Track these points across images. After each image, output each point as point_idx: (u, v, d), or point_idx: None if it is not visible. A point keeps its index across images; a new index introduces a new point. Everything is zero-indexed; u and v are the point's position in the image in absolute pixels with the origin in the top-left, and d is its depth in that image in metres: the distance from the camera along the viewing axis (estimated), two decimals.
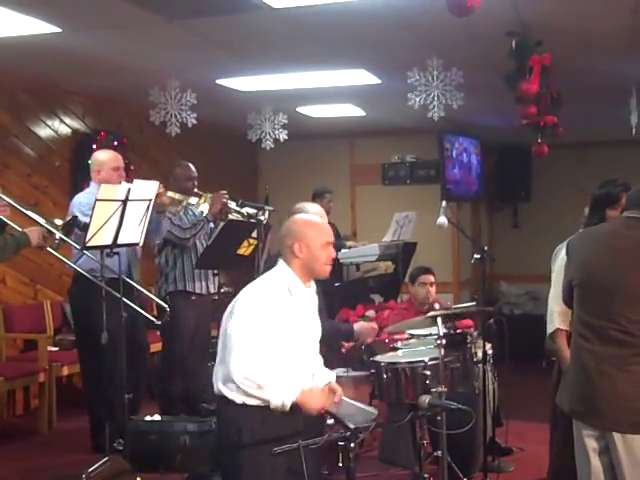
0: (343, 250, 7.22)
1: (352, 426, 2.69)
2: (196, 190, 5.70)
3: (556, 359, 4.27)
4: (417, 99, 5.40)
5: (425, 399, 3.25)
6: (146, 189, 4.56)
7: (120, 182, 5.25)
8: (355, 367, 4.63)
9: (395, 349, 4.28)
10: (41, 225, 4.10)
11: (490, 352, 4.76)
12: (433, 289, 5.27)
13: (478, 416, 4.30)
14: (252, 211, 5.38)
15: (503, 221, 10.52)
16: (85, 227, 4.37)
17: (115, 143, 7.29)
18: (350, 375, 4.52)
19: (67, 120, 7.05)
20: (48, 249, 4.20)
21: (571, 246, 3.24)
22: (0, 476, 4.94)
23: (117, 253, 4.53)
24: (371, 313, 6.30)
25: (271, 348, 2.95)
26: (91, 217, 4.27)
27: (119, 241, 4.44)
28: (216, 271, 5.68)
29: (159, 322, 4.26)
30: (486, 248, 5.02)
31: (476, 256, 4.94)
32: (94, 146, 7.04)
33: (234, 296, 3.15)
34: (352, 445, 2.64)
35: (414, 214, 7.64)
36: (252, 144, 7.66)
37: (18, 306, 6.38)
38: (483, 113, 8.21)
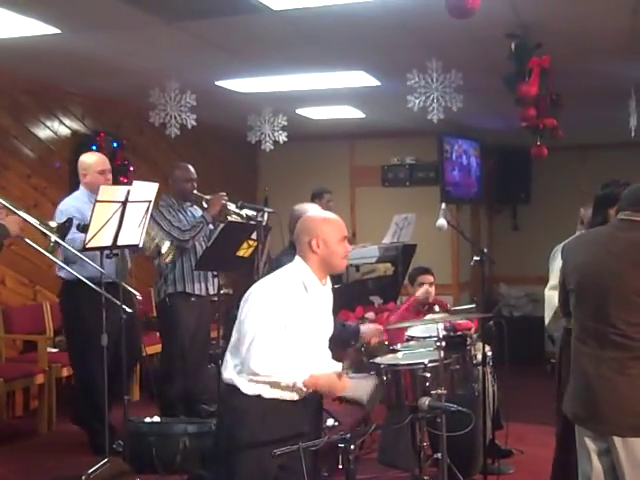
0: None
1: (364, 402, 2.71)
2: (196, 192, 5.70)
3: (556, 360, 4.27)
4: (416, 101, 5.40)
5: (425, 401, 3.24)
6: (146, 190, 4.56)
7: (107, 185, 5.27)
8: (354, 369, 4.63)
9: (395, 351, 4.27)
10: (35, 227, 4.05)
11: (490, 354, 4.76)
12: (433, 289, 5.27)
13: (478, 418, 4.29)
14: (251, 213, 5.39)
15: (502, 223, 10.52)
16: (85, 228, 4.37)
17: (115, 144, 7.30)
18: (350, 377, 4.51)
19: (67, 121, 7.05)
20: (43, 252, 4.13)
21: (566, 250, 3.24)
22: (0, 477, 4.94)
23: (116, 255, 4.54)
24: (371, 315, 6.30)
25: (282, 336, 2.98)
26: (91, 218, 4.27)
27: (119, 242, 4.44)
28: (215, 273, 5.68)
29: (131, 310, 4.19)
30: (486, 250, 5.01)
31: (476, 258, 4.94)
32: (94, 147, 7.06)
33: (234, 298, 3.17)
34: (352, 447, 2.64)
35: (413, 216, 7.63)
36: (252, 146, 7.66)
37: (18, 307, 6.38)
38: (483, 115, 8.22)
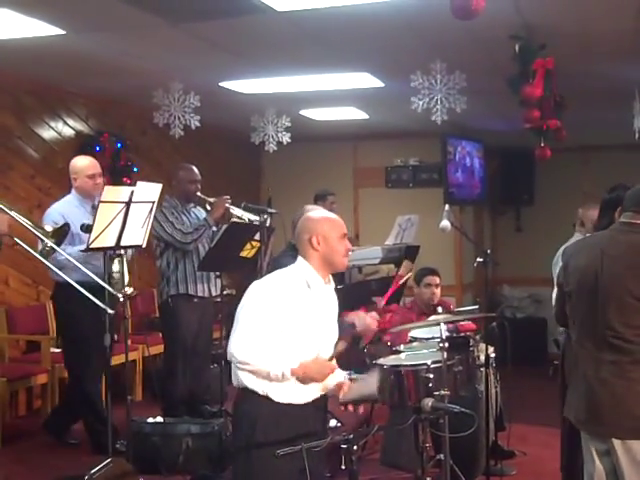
0: None
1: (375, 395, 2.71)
2: (199, 194, 5.70)
3: (559, 363, 4.28)
4: (420, 102, 5.40)
5: (428, 402, 3.24)
6: (149, 191, 4.57)
7: (96, 189, 5.23)
8: (357, 370, 4.63)
9: (398, 352, 4.27)
10: (30, 231, 4.00)
11: (493, 355, 4.76)
12: (438, 291, 5.26)
13: (481, 419, 4.30)
14: (254, 218, 5.37)
15: (506, 225, 10.51)
16: (88, 229, 4.38)
17: (118, 145, 7.31)
18: (352, 377, 4.51)
19: (70, 122, 7.06)
20: (35, 254, 4.01)
21: (567, 254, 3.24)
22: (3, 477, 4.94)
23: (120, 255, 4.55)
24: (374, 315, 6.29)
25: (279, 335, 2.99)
26: (94, 219, 4.28)
27: (122, 243, 4.45)
28: (218, 273, 5.68)
29: (112, 311, 4.12)
30: (489, 251, 5.02)
31: (479, 259, 4.95)
32: (98, 148, 7.07)
33: (237, 298, 3.18)
34: (354, 447, 2.64)
35: (417, 217, 7.63)
36: (255, 147, 7.67)
37: (21, 307, 6.39)
38: (486, 117, 8.22)
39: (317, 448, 2.70)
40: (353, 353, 4.23)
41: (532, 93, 4.92)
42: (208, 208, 5.69)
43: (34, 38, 5.01)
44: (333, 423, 5.60)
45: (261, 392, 3.04)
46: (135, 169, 7.41)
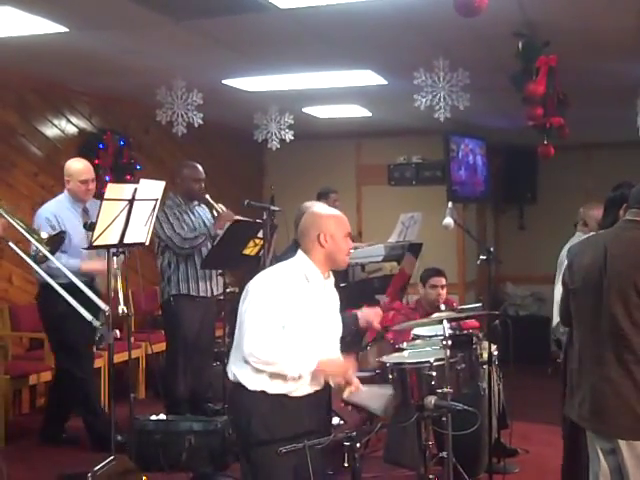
0: None
1: (381, 413, 2.71)
2: (208, 198, 5.67)
3: (561, 361, 4.27)
4: (423, 100, 5.39)
5: (431, 400, 3.25)
6: (152, 189, 4.57)
7: (88, 194, 5.30)
8: (361, 368, 4.63)
9: (401, 350, 4.27)
10: (25, 236, 3.91)
11: (495, 353, 4.76)
12: (444, 292, 5.23)
13: (483, 417, 4.30)
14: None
15: (509, 222, 10.51)
16: (92, 226, 4.39)
17: (121, 143, 7.31)
18: (356, 375, 4.51)
19: (74, 120, 7.07)
20: (29, 261, 3.93)
21: (572, 252, 3.24)
22: (7, 474, 4.95)
23: (123, 253, 4.55)
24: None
25: (284, 327, 3.02)
26: (98, 216, 4.28)
27: (125, 240, 4.45)
28: (221, 271, 5.68)
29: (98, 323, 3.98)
30: (492, 249, 5.01)
31: (482, 257, 4.94)
32: (101, 146, 7.08)
33: (239, 296, 3.19)
34: (357, 445, 2.64)
35: (420, 215, 7.62)
36: (258, 144, 7.66)
37: (24, 305, 6.39)
38: (489, 114, 8.21)
39: (320, 445, 2.70)
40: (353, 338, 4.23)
41: (535, 90, 4.92)
42: (215, 214, 5.65)
43: (37, 36, 5.01)
44: (336, 421, 5.60)
45: (259, 387, 3.05)
46: (138, 167, 7.42)
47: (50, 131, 6.82)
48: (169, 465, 4.77)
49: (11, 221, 3.89)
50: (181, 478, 4.69)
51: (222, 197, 7.97)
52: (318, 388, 3.16)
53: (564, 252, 4.97)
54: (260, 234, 5.21)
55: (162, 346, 6.23)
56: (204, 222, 5.73)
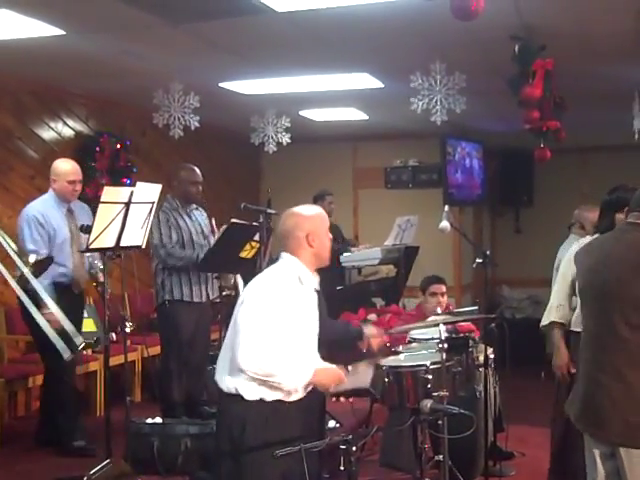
0: (345, 254, 7.22)
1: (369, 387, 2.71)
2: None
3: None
4: (420, 103, 5.40)
5: (427, 403, 3.25)
6: (149, 192, 4.57)
7: (74, 195, 5.31)
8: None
9: (397, 353, 4.27)
10: (12, 258, 3.89)
11: (492, 356, 4.76)
12: (444, 299, 5.21)
13: (479, 420, 4.29)
14: None
15: (505, 226, 10.52)
16: (88, 229, 4.38)
17: (118, 146, 7.31)
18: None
19: (70, 122, 7.06)
20: (12, 283, 3.73)
21: (576, 257, 3.25)
22: (1, 478, 4.94)
23: (119, 256, 4.55)
24: (373, 317, 6.30)
25: (283, 337, 2.98)
26: (94, 219, 4.28)
27: (122, 244, 4.45)
28: (217, 275, 5.67)
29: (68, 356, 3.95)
30: (488, 252, 5.01)
31: (478, 260, 4.94)
32: (97, 148, 7.07)
33: (235, 299, 3.17)
34: (353, 448, 2.64)
35: (416, 218, 7.64)
36: (255, 147, 7.67)
37: (20, 308, 6.37)
38: (486, 117, 8.22)
39: (316, 448, 2.70)
40: (352, 351, 4.24)
41: (532, 94, 4.92)
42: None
43: (34, 39, 5.01)
44: (332, 424, 5.60)
45: (257, 396, 3.01)
46: (134, 170, 7.42)
47: (47, 134, 6.81)
48: (165, 468, 4.76)
49: (3, 242, 3.85)
50: None
51: (219, 200, 8.02)
52: (312, 391, 3.15)
53: (559, 255, 5.00)
54: (257, 237, 5.20)
55: (158, 349, 6.22)
56: (201, 226, 5.72)
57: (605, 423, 2.89)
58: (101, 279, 5.25)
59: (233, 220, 5.43)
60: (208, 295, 5.69)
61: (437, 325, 3.87)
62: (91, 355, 6.34)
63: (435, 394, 3.63)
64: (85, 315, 5.84)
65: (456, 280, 9.23)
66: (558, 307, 4.18)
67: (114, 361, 5.28)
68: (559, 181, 9.67)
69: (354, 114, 8.15)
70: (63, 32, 4.91)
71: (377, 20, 4.66)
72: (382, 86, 6.61)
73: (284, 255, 3.17)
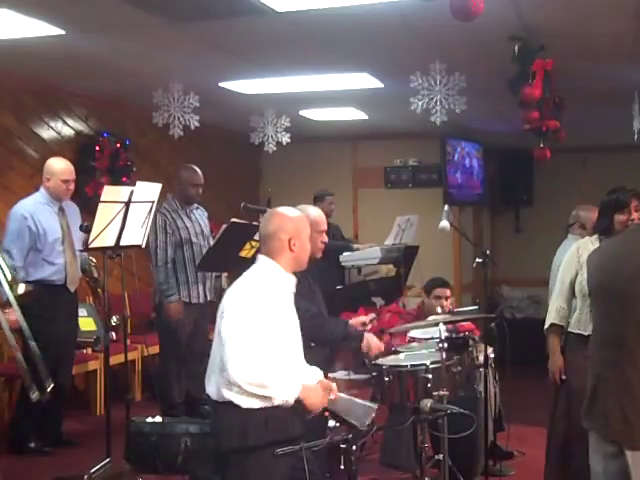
0: (345, 253, 7.22)
1: (358, 425, 2.70)
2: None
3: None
4: (420, 103, 5.40)
5: (427, 403, 3.25)
6: (149, 191, 4.57)
7: (67, 194, 5.33)
8: (356, 370, 4.63)
9: (397, 352, 4.28)
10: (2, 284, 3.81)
11: (492, 356, 4.77)
12: (448, 302, 5.20)
13: (480, 420, 4.30)
14: None
15: (505, 225, 10.53)
16: (88, 228, 4.39)
17: (118, 145, 7.31)
18: (351, 378, 4.51)
19: (70, 122, 7.06)
20: None
21: (589, 259, 3.25)
22: (2, 477, 4.95)
23: (119, 255, 4.55)
24: (372, 316, 6.28)
25: (268, 345, 2.93)
26: (94, 218, 4.29)
27: (122, 243, 4.46)
28: (217, 274, 5.67)
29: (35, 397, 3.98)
30: (488, 252, 5.02)
31: (478, 260, 4.95)
32: (97, 148, 7.07)
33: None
34: (354, 448, 2.64)
35: (416, 217, 7.64)
36: (255, 147, 7.66)
37: None
38: (486, 117, 8.22)
39: (316, 447, 2.70)
40: (352, 354, 4.24)
41: (531, 94, 4.93)
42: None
43: (34, 38, 5.01)
44: (332, 423, 5.59)
45: (255, 405, 2.97)
46: (134, 169, 7.42)
47: (46, 133, 6.81)
48: (165, 467, 4.75)
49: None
50: None
51: (218, 199, 8.02)
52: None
53: (558, 257, 4.99)
54: (256, 236, 5.20)
55: (158, 348, 6.22)
56: (200, 227, 5.73)
57: (609, 422, 2.89)
58: (95, 275, 5.30)
59: (233, 219, 5.44)
60: (206, 296, 5.69)
61: (437, 325, 3.88)
62: (91, 354, 6.34)
63: (435, 393, 3.64)
64: (85, 314, 5.85)
65: (456, 280, 9.23)
66: (558, 309, 4.18)
67: (114, 360, 5.29)
68: (559, 181, 9.68)
69: (354, 114, 8.15)
70: (63, 32, 4.91)
71: (377, 20, 4.66)
72: (382, 86, 6.61)
73: (262, 258, 3.10)
